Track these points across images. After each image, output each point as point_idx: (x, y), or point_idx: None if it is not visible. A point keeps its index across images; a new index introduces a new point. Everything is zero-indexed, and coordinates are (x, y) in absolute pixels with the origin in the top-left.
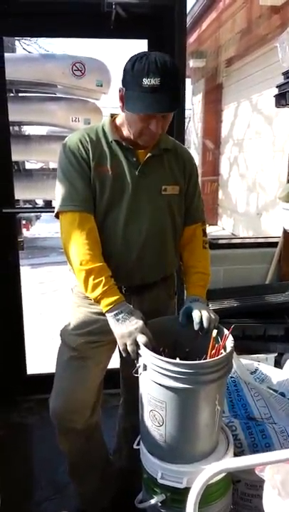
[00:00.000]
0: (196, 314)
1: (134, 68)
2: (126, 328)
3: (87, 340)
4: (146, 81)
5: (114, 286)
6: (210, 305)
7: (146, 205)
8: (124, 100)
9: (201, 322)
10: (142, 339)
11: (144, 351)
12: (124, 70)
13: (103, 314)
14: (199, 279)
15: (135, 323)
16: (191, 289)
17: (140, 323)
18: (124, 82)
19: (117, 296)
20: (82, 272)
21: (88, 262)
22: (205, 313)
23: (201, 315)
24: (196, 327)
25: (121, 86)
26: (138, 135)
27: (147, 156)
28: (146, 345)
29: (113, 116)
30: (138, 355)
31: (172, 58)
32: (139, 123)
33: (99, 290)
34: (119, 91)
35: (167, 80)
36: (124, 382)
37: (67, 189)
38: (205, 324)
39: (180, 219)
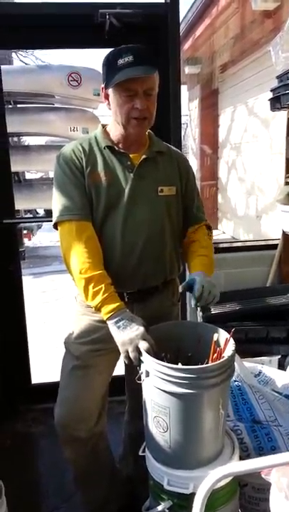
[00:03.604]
0: (196, 288)
1: (108, 58)
2: (127, 335)
3: (90, 348)
4: (120, 61)
5: (115, 294)
6: (211, 309)
7: (143, 207)
8: (105, 89)
9: (201, 294)
10: (143, 345)
11: (146, 357)
12: (102, 66)
13: (106, 322)
14: (203, 260)
15: (136, 329)
16: (194, 267)
17: (141, 329)
18: (103, 77)
19: (117, 304)
20: (81, 280)
21: (87, 270)
22: (207, 287)
23: (201, 290)
24: (194, 298)
25: (102, 85)
26: (126, 120)
27: (142, 158)
28: (148, 352)
29: (104, 126)
30: (140, 361)
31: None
32: (124, 105)
33: (99, 298)
34: (102, 90)
35: (140, 55)
36: (128, 389)
37: (63, 199)
38: (204, 299)
39: (178, 220)
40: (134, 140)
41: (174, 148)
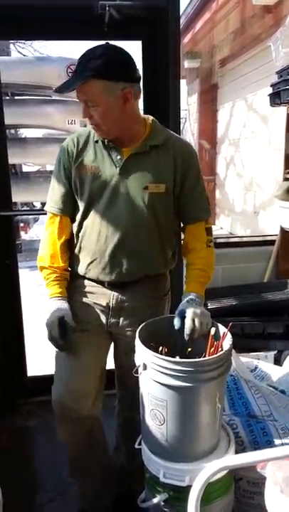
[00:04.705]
0: (187, 324)
1: None
2: (49, 318)
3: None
4: None
5: (58, 282)
6: (209, 304)
7: (125, 202)
8: None
9: (191, 333)
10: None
11: (143, 350)
12: None
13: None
14: (198, 275)
15: (52, 314)
16: (189, 284)
17: (54, 317)
18: None
19: (57, 291)
20: (38, 264)
21: (42, 258)
22: (197, 322)
23: (192, 326)
24: (186, 338)
25: None
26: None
27: (130, 153)
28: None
29: None
30: (56, 343)
31: (116, 46)
32: None
33: (45, 282)
34: None
35: (80, 65)
36: (118, 378)
37: (50, 191)
38: (195, 335)
39: (166, 218)
40: (118, 137)
41: (177, 138)
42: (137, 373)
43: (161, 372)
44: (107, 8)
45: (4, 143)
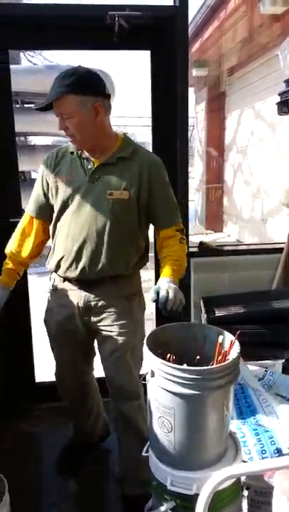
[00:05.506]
0: (161, 294)
1: None
2: None
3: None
4: None
5: (7, 272)
6: (216, 311)
7: (91, 207)
8: None
9: (165, 302)
10: None
11: (151, 357)
12: None
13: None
14: (172, 263)
15: None
16: (163, 271)
17: None
18: None
19: (4, 279)
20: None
21: (6, 248)
22: (171, 293)
23: (166, 296)
24: (160, 307)
25: None
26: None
27: (99, 163)
28: None
29: None
30: None
31: (86, 68)
32: None
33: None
34: None
35: (56, 83)
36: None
37: (31, 195)
38: (169, 306)
39: (130, 223)
40: (91, 149)
41: (147, 153)
42: (145, 380)
43: (169, 380)
44: (116, 18)
45: (14, 150)
